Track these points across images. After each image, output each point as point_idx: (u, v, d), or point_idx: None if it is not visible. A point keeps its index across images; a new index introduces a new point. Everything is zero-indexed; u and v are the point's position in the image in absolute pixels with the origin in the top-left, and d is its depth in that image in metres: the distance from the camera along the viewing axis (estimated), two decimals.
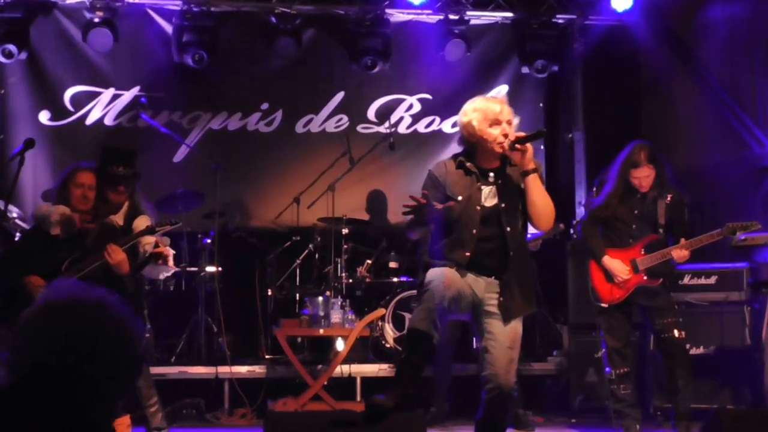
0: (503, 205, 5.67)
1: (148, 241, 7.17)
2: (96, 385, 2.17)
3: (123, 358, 2.22)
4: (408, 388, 5.35)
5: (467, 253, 5.63)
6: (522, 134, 5.59)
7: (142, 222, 7.22)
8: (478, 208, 5.66)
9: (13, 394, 2.10)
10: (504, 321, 5.60)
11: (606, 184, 7.80)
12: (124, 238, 6.99)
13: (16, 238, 8.42)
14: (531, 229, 5.93)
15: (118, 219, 7.30)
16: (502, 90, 5.96)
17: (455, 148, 6.00)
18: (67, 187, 7.01)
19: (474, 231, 5.63)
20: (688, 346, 7.83)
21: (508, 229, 5.64)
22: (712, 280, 8.68)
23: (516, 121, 5.71)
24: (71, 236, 6.92)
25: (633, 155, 7.61)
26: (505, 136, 5.57)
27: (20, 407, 2.06)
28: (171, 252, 7.24)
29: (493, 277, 5.64)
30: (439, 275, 5.52)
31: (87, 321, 2.17)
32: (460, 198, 5.70)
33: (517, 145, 5.54)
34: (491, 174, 5.72)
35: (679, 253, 7.56)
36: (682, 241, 7.60)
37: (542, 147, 11.06)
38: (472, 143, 5.73)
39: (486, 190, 5.70)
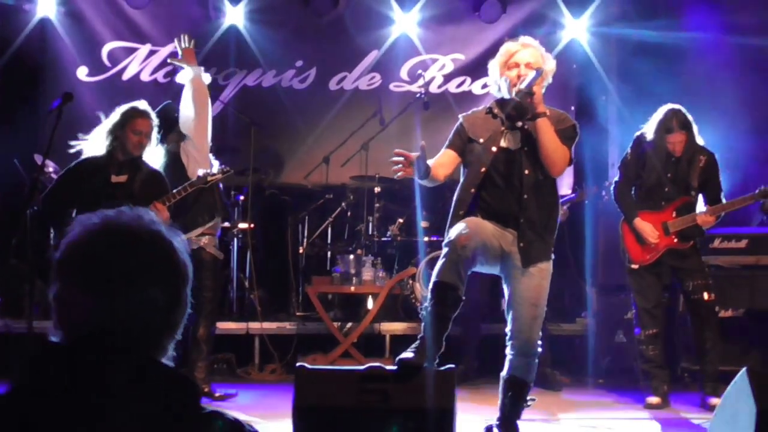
0: (525, 149, 5.71)
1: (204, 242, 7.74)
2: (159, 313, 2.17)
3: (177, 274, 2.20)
4: (436, 342, 5.37)
5: (472, 190, 5.72)
6: (526, 77, 5.62)
7: None
8: (494, 149, 5.71)
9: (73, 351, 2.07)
10: (523, 265, 5.65)
11: (641, 146, 7.82)
12: (172, 193, 7.06)
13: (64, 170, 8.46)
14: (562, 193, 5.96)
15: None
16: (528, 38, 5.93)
17: None
18: (125, 131, 7.05)
19: (483, 169, 5.69)
20: (717, 308, 7.87)
21: (526, 172, 5.68)
22: (743, 243, 8.66)
23: (550, 64, 5.74)
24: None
25: (666, 121, 7.64)
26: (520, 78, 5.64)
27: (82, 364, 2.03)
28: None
29: (517, 231, 5.70)
30: (461, 227, 5.56)
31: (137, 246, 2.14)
32: (481, 140, 5.77)
33: (523, 88, 5.57)
34: (518, 120, 5.76)
35: (704, 218, 7.61)
36: (707, 206, 7.64)
37: (573, 108, 11.05)
38: (499, 87, 5.81)
39: (510, 134, 5.74)
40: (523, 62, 5.66)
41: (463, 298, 5.50)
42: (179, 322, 2.22)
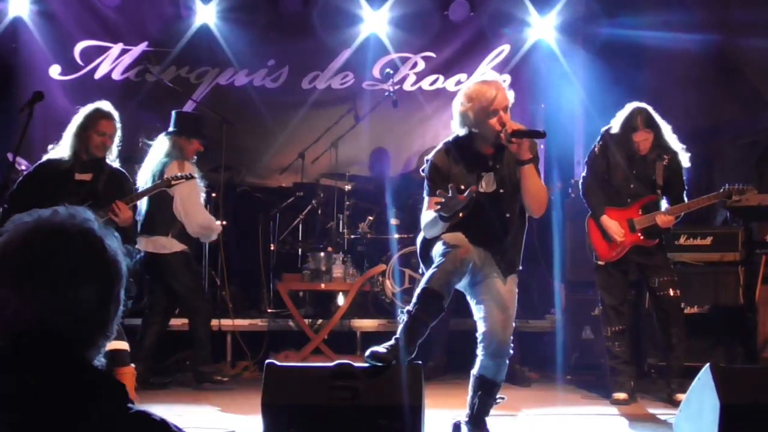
0: (502, 190, 5.75)
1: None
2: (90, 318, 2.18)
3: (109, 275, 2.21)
4: (410, 346, 5.40)
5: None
6: (521, 128, 5.57)
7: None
8: (474, 194, 5.74)
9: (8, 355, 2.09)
10: (504, 275, 5.74)
11: (607, 142, 7.90)
12: (135, 194, 7.17)
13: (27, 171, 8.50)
14: None
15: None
16: (504, 49, 5.92)
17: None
18: (88, 132, 7.13)
19: (460, 215, 5.68)
20: (682, 304, 7.94)
21: (508, 215, 5.76)
22: (708, 240, 8.76)
23: (512, 97, 5.76)
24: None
25: (631, 120, 7.71)
26: (503, 125, 5.59)
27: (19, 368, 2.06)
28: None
29: (494, 250, 5.76)
30: (460, 239, 5.58)
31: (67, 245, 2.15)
32: (462, 187, 5.75)
33: (513, 139, 5.53)
34: (490, 160, 5.79)
35: (663, 218, 7.68)
36: (668, 206, 7.73)
37: (543, 105, 11.15)
38: (470, 129, 5.76)
39: (485, 177, 5.75)
40: (501, 107, 5.59)
41: (445, 310, 5.55)
42: (111, 319, 2.23)
